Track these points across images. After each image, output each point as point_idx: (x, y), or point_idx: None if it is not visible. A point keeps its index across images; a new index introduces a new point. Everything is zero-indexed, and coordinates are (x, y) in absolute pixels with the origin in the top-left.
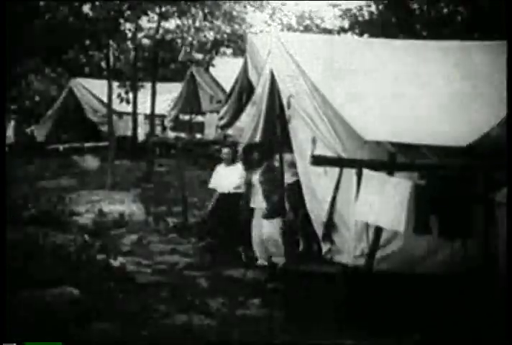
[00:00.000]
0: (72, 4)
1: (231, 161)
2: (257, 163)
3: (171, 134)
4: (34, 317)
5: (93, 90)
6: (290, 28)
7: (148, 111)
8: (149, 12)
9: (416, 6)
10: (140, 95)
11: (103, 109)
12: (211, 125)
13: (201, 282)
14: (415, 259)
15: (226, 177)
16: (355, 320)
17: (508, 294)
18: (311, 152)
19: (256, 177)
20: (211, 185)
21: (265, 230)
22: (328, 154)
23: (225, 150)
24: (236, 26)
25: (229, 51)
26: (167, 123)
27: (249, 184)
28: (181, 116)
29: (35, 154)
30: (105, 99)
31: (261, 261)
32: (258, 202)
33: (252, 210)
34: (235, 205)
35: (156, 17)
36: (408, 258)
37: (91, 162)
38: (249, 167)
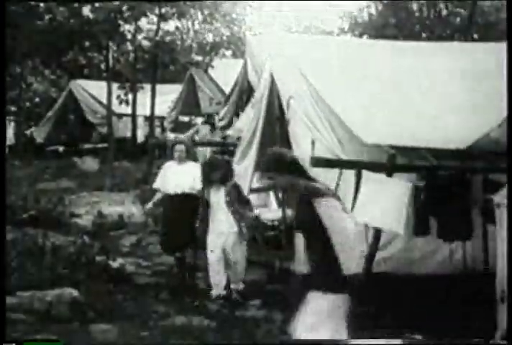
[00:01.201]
0: (72, 6)
1: (184, 159)
2: (220, 181)
3: (170, 136)
4: (34, 317)
5: (92, 92)
6: (289, 29)
7: (147, 113)
8: (148, 14)
9: (415, 7)
10: (139, 96)
11: (103, 111)
12: None
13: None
14: (414, 260)
15: (179, 177)
16: (355, 321)
17: (509, 294)
18: (310, 153)
19: (218, 197)
20: (156, 185)
21: (234, 255)
22: (328, 156)
23: (179, 147)
24: (236, 28)
25: (228, 52)
26: (167, 124)
27: (206, 203)
28: (180, 118)
29: (35, 155)
30: (104, 101)
31: (216, 292)
32: (220, 225)
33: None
34: (190, 207)
35: (155, 19)
36: (407, 259)
37: (91, 163)
38: (209, 184)
